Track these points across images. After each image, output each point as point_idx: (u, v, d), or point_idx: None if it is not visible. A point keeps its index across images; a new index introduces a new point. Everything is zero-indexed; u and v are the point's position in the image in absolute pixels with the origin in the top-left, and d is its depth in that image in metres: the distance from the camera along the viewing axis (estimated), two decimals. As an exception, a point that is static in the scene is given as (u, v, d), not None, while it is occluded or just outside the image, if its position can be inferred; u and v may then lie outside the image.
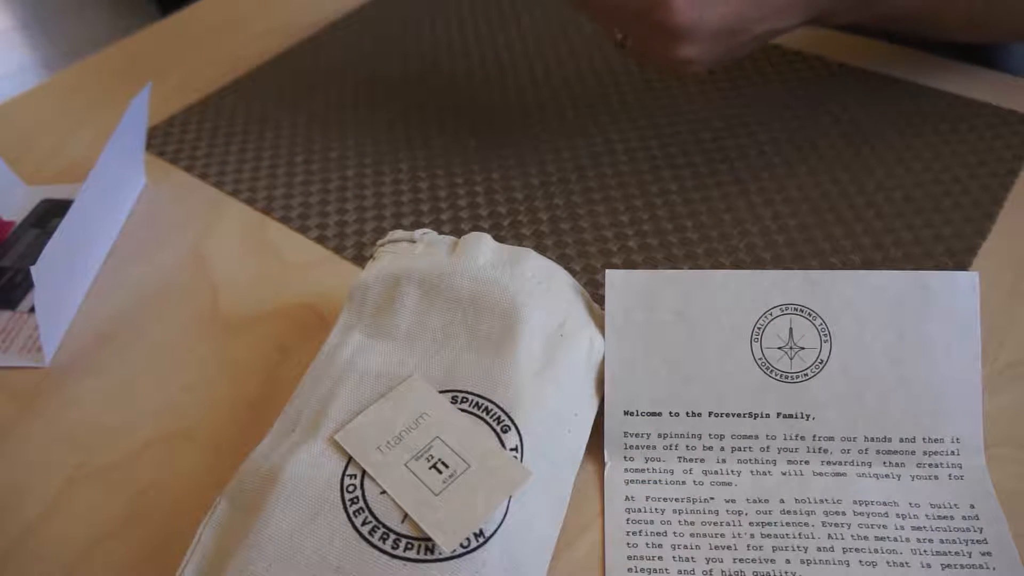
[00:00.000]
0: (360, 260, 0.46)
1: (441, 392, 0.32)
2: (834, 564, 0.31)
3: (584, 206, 0.48)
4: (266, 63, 0.62)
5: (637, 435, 0.35)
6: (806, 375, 0.34)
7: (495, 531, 0.29)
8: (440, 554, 0.28)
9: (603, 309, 0.35)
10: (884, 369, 0.34)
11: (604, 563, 0.32)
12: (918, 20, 0.49)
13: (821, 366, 0.34)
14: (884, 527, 0.32)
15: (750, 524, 0.33)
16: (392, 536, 0.28)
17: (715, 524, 0.33)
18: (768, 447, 0.34)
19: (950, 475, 0.34)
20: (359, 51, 0.63)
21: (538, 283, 0.35)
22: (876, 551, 0.31)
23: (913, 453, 0.34)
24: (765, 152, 0.50)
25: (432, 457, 0.30)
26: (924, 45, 0.57)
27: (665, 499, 0.34)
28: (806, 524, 0.32)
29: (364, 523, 0.29)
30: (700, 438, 0.34)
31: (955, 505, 0.33)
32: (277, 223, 0.49)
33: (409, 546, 0.28)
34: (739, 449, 0.34)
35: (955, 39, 0.53)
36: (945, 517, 0.32)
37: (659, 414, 0.35)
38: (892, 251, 0.43)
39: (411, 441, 0.31)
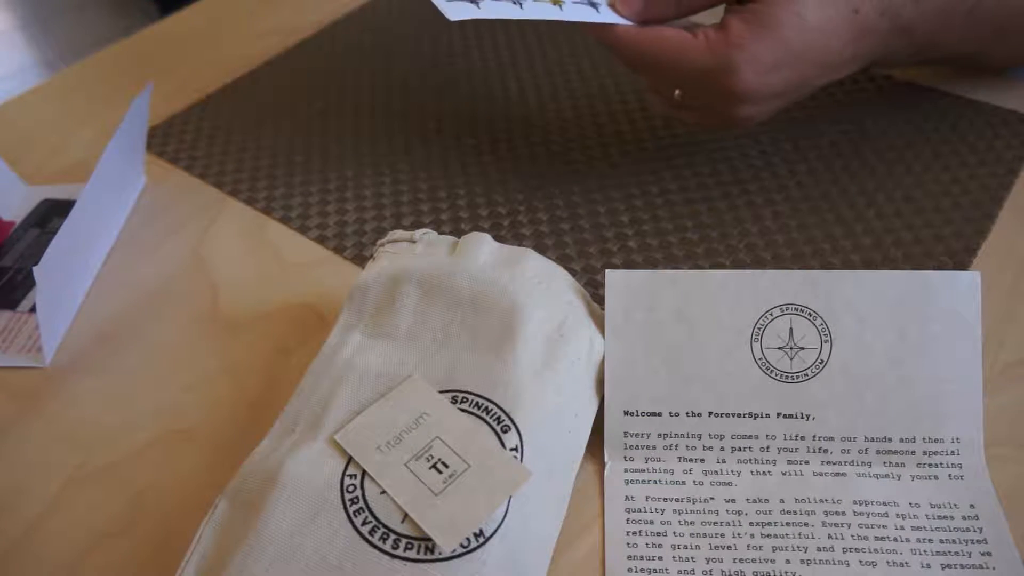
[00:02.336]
0: (360, 260, 0.46)
1: (441, 392, 0.32)
2: (834, 564, 0.31)
3: (584, 206, 0.48)
4: (266, 63, 0.62)
5: (637, 435, 0.35)
6: (806, 375, 0.34)
7: (495, 531, 0.29)
8: (440, 554, 0.28)
9: (603, 309, 0.35)
10: (884, 369, 0.34)
11: (604, 563, 0.32)
12: (971, 58, 0.50)
13: (821, 366, 0.34)
14: (884, 527, 0.32)
15: (750, 524, 0.33)
16: (392, 536, 0.28)
17: (715, 524, 0.33)
18: (768, 447, 0.34)
19: (950, 475, 0.34)
20: (359, 51, 0.63)
21: (538, 283, 0.35)
22: (876, 551, 0.31)
23: (913, 453, 0.34)
24: (765, 152, 0.50)
25: (432, 457, 0.30)
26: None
27: (665, 499, 0.34)
28: (806, 524, 0.32)
29: (364, 523, 0.29)
30: (700, 438, 0.34)
31: (955, 505, 0.33)
32: (277, 223, 0.49)
33: (409, 546, 0.28)
34: (739, 449, 0.34)
35: (998, 68, 0.54)
36: (945, 517, 0.32)
37: (659, 414, 0.35)
38: (892, 251, 0.43)
39: (411, 441, 0.31)
